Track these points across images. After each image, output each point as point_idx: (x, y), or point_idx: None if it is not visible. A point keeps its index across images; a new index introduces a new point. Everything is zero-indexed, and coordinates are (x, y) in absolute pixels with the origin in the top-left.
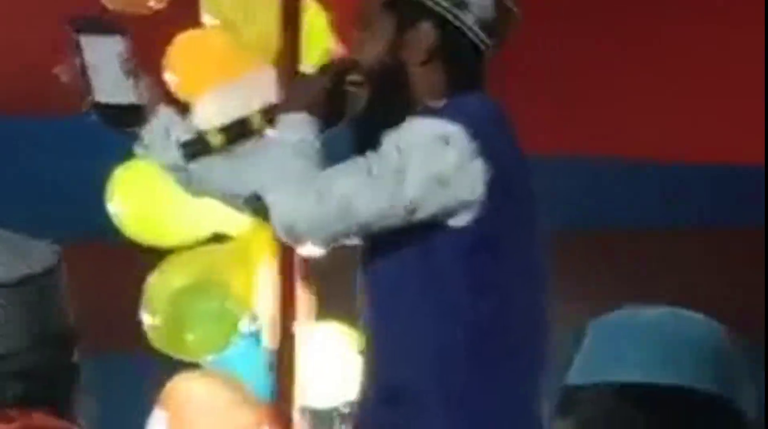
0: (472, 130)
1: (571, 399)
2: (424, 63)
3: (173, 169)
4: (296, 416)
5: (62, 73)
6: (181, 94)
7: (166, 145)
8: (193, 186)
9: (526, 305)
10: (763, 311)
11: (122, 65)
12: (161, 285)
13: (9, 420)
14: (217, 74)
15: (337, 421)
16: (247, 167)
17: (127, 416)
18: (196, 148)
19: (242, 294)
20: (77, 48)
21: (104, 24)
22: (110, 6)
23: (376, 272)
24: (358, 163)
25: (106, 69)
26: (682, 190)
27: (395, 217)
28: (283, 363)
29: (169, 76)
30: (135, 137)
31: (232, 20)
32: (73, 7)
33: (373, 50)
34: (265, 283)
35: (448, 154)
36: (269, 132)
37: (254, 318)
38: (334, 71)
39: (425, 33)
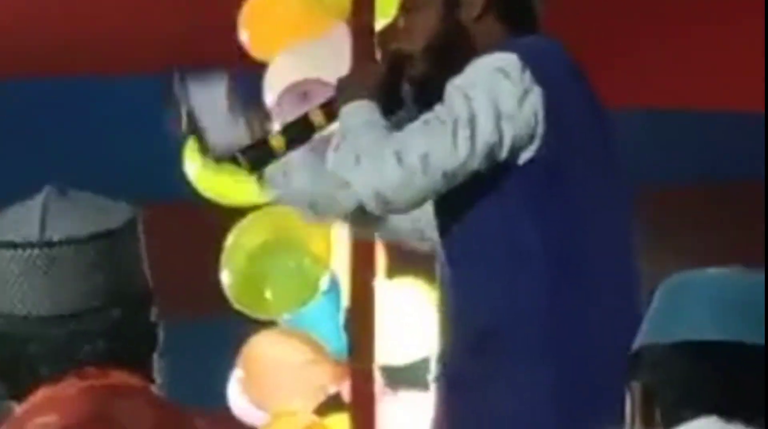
0: (525, 57)
1: (637, 360)
2: (479, 18)
3: (294, 202)
4: (375, 374)
5: (173, 125)
6: (256, 54)
7: (286, 179)
8: (320, 212)
9: (605, 240)
10: None
11: (231, 106)
12: (239, 244)
13: (84, 376)
14: (292, 33)
15: (415, 378)
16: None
17: (208, 378)
18: (258, 153)
19: (319, 251)
20: (185, 97)
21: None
22: None
23: (450, 224)
24: (428, 118)
25: (216, 113)
26: None
27: (475, 161)
28: (360, 320)
29: (243, 36)
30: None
31: None
32: None
33: (427, 21)
34: (341, 241)
35: (509, 88)
36: (342, 122)
37: (331, 275)
38: (390, 59)
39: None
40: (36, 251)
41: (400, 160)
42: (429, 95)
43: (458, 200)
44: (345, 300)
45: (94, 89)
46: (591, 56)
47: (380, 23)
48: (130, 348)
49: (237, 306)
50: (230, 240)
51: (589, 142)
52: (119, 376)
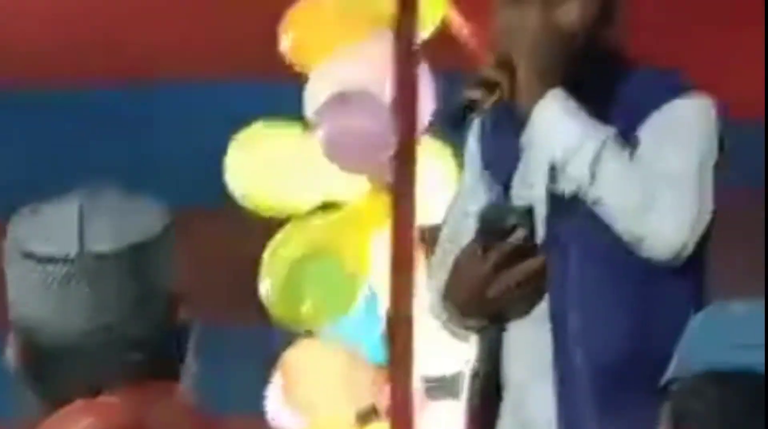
0: None
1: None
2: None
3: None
4: (415, 383)
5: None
6: (298, 61)
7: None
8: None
9: None
10: None
11: None
12: (278, 254)
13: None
14: (334, 41)
15: (454, 388)
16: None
17: (247, 386)
18: (456, 115)
19: (358, 262)
20: None
21: None
22: None
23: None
24: (690, 167)
25: None
26: None
27: None
28: (399, 330)
29: (285, 44)
30: None
31: None
32: None
33: (586, 14)
34: (380, 251)
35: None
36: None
37: (370, 285)
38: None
39: None
40: (75, 266)
41: (700, 215)
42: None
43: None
44: (384, 310)
45: (138, 92)
46: None
47: (422, 32)
48: (164, 353)
49: (276, 317)
50: (269, 250)
51: None
52: (155, 384)
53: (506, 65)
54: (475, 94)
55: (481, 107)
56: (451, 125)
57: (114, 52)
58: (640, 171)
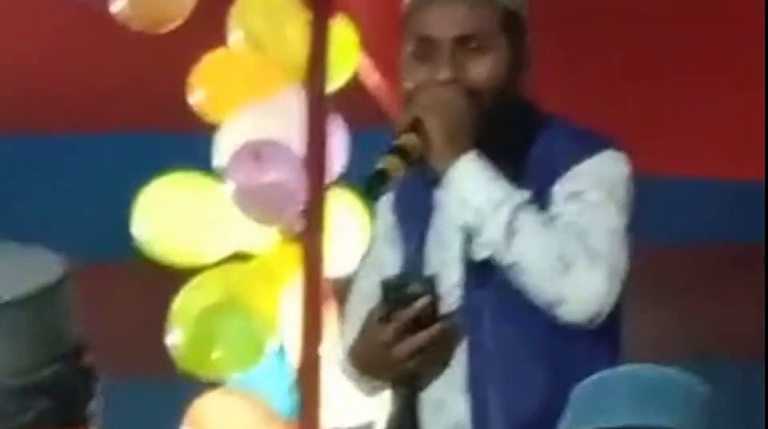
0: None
1: None
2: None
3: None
4: None
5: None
6: (209, 112)
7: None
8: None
9: None
10: None
11: None
12: (187, 304)
13: None
14: (245, 93)
15: None
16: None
17: None
18: (374, 184)
19: (268, 312)
20: None
21: None
22: (133, 26)
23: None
24: (605, 220)
25: None
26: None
27: None
28: (307, 382)
29: (196, 96)
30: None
31: (259, 38)
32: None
33: (496, 66)
34: (290, 302)
35: (631, 190)
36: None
37: (279, 337)
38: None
39: (529, 47)
40: None
41: (613, 277)
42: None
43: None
44: (293, 361)
45: (49, 143)
46: None
47: (333, 85)
48: (70, 401)
49: (184, 367)
50: (179, 300)
51: None
52: None
53: (418, 127)
54: (389, 162)
55: (395, 175)
56: (366, 195)
57: (22, 102)
58: (555, 234)
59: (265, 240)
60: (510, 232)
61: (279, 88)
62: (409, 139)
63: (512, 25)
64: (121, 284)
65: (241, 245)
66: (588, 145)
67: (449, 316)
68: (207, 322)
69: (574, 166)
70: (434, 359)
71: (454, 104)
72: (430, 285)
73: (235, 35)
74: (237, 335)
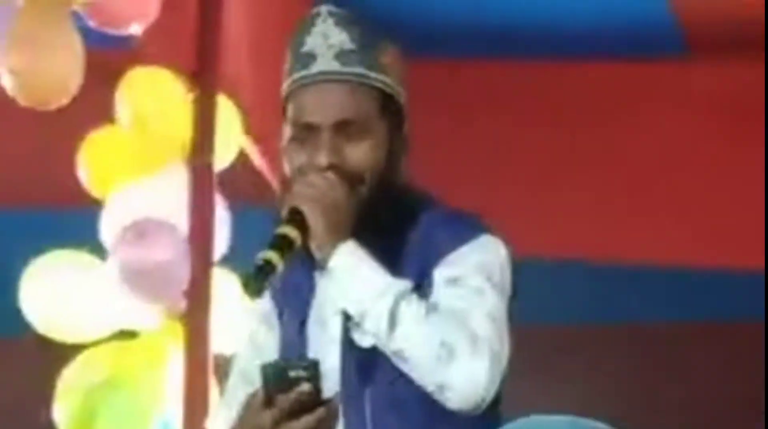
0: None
1: None
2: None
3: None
4: None
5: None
6: (94, 188)
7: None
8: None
9: None
10: None
11: None
12: (72, 381)
13: None
14: (130, 172)
15: None
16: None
17: None
18: (257, 278)
19: (152, 390)
20: None
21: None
22: (22, 103)
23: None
24: (491, 315)
25: None
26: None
27: None
28: None
29: (81, 173)
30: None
31: (145, 116)
32: None
33: (375, 152)
34: (174, 380)
35: (508, 273)
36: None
37: (164, 414)
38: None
39: (407, 135)
40: None
41: (494, 367)
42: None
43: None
44: None
45: None
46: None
47: (219, 163)
48: None
49: None
50: (64, 376)
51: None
52: None
53: (298, 217)
54: (270, 255)
55: (277, 267)
56: (246, 290)
57: None
58: (438, 321)
59: (150, 318)
60: (392, 322)
61: (164, 165)
62: (288, 230)
63: (390, 109)
64: (7, 360)
65: (126, 323)
66: (466, 229)
67: (331, 399)
68: (92, 398)
69: (452, 252)
70: None
71: (331, 192)
72: (313, 369)
73: (121, 113)
74: (122, 412)
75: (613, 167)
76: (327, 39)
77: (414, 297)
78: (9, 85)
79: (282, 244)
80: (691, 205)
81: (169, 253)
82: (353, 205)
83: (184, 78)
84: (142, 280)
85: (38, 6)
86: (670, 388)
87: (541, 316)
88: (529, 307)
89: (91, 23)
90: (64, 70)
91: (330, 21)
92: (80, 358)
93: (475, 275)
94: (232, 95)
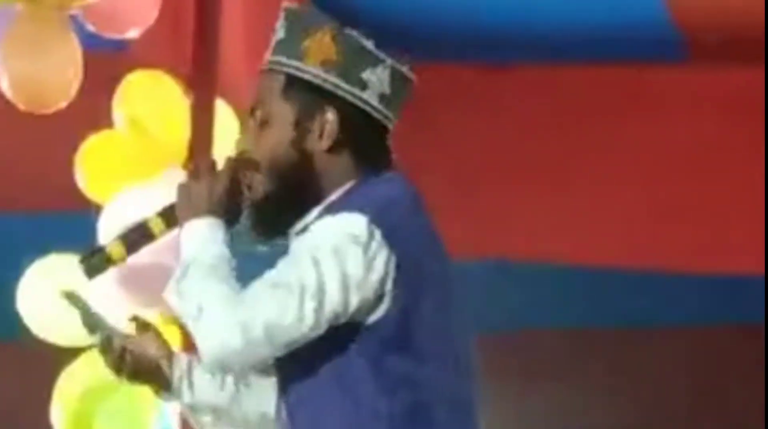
0: (378, 218)
1: None
2: (329, 150)
3: (199, 410)
4: None
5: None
6: (92, 195)
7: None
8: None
9: (452, 395)
10: None
11: None
12: (69, 384)
13: None
14: (128, 176)
15: None
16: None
17: None
18: (94, 261)
19: (149, 393)
20: None
21: None
22: (21, 107)
23: (291, 383)
24: (277, 281)
25: None
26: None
27: (320, 330)
28: None
29: (80, 177)
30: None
31: (143, 120)
32: None
33: (275, 140)
34: None
35: (358, 255)
36: (184, 242)
37: (162, 417)
38: (231, 168)
39: (328, 120)
40: None
41: (245, 331)
42: (264, 216)
43: (299, 357)
44: None
45: None
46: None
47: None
48: None
49: None
50: (62, 380)
51: (436, 282)
52: None
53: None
54: (115, 248)
55: (120, 260)
56: (88, 272)
57: None
58: (216, 284)
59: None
60: (180, 277)
61: (163, 169)
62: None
63: (301, 93)
64: (5, 364)
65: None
66: (330, 214)
67: None
68: (89, 401)
69: (311, 227)
70: None
71: (197, 190)
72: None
73: (119, 117)
74: (119, 414)
75: (613, 171)
76: (275, 34)
77: (221, 264)
78: (8, 89)
79: (139, 238)
80: (691, 208)
81: (168, 257)
82: (218, 192)
83: (182, 82)
84: (138, 283)
85: (37, 10)
86: (676, 393)
87: (541, 319)
88: (529, 312)
89: (90, 27)
90: (62, 75)
91: (282, 16)
92: (78, 361)
93: (303, 244)
94: (230, 99)
